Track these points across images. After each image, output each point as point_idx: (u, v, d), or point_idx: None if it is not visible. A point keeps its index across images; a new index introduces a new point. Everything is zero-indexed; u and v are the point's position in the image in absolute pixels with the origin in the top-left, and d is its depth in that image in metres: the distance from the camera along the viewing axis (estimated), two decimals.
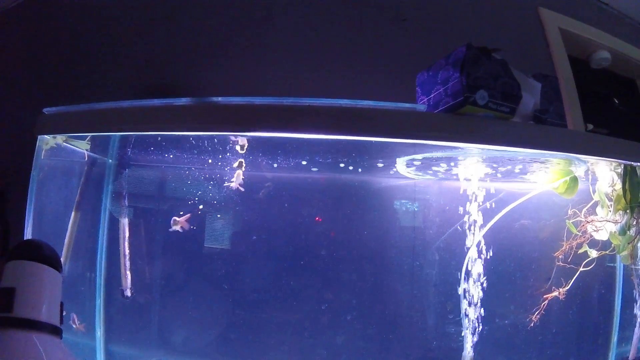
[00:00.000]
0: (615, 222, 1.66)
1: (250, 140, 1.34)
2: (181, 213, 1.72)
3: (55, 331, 0.79)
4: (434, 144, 1.12)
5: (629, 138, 1.50)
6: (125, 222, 1.83)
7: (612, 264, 1.93)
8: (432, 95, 1.18)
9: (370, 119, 1.05)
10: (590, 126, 2.46)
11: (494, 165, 1.47)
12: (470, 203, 1.50)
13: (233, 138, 1.32)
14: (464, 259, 1.50)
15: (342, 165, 1.68)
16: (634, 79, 3.05)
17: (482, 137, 1.10)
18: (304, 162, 1.62)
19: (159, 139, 1.58)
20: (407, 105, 1.13)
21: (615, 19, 2.77)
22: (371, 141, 1.13)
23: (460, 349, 1.48)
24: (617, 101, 3.11)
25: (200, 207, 1.76)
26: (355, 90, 1.22)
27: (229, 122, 1.13)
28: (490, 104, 1.10)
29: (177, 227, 1.72)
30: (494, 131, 1.11)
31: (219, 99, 1.15)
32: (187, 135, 1.40)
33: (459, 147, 1.17)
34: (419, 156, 1.32)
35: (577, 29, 2.60)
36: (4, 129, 1.86)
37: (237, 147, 1.36)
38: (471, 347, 1.48)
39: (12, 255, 0.82)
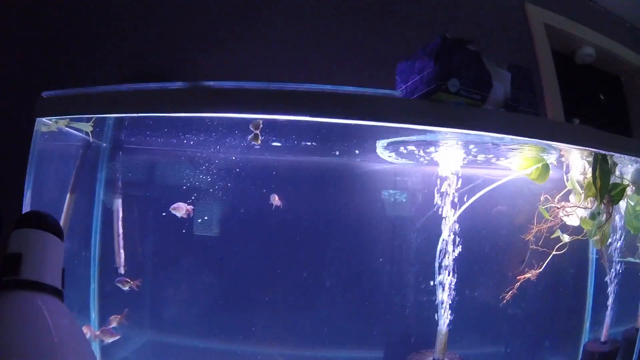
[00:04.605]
0: (586, 208, 1.75)
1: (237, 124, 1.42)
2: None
3: (58, 293, 0.86)
4: (408, 128, 1.20)
5: (616, 132, 1.57)
6: (119, 202, 1.90)
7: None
8: (409, 83, 1.26)
9: (350, 103, 1.14)
10: (577, 121, 2.53)
11: (472, 151, 1.56)
12: (443, 194, 1.58)
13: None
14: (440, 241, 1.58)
15: (325, 150, 1.77)
16: (618, 75, 3.13)
17: (453, 121, 1.19)
18: (289, 143, 1.70)
19: (151, 122, 1.63)
20: (384, 91, 1.21)
21: (601, 16, 2.83)
22: (352, 125, 1.21)
23: (436, 324, 1.57)
24: (602, 97, 3.20)
25: (193, 197, 1.83)
26: (338, 77, 1.30)
27: (220, 105, 1.21)
28: (462, 91, 1.18)
29: (181, 213, 1.80)
30: (464, 115, 1.19)
31: (211, 83, 1.23)
32: (179, 119, 1.47)
33: (432, 130, 1.25)
34: (398, 139, 1.41)
35: (562, 25, 2.68)
36: None
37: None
38: (446, 324, 1.57)
39: (18, 225, 0.89)
